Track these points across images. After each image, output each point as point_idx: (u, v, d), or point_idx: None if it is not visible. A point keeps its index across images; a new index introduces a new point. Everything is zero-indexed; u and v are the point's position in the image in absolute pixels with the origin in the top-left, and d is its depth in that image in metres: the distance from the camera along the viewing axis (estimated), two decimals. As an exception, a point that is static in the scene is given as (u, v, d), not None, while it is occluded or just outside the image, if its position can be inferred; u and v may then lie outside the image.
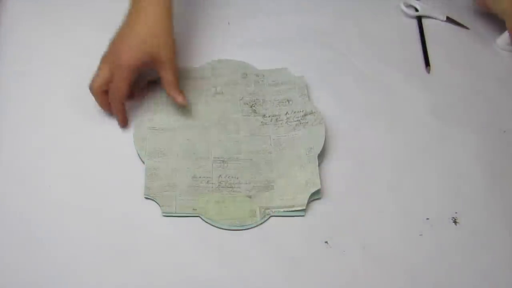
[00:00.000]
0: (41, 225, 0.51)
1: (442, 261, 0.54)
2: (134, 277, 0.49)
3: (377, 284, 0.52)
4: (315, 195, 0.56)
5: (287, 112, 0.60)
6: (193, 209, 0.53)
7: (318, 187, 0.55)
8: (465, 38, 0.75)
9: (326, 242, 0.54)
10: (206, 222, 0.53)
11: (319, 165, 0.58)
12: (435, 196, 0.58)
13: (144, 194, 0.54)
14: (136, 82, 0.57)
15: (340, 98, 0.65)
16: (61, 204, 0.52)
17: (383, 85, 0.67)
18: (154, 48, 0.54)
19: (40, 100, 0.59)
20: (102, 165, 0.56)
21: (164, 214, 0.53)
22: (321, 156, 0.59)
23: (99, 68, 0.55)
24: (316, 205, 0.56)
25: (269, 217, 0.54)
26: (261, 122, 0.60)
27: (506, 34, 0.71)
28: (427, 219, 0.56)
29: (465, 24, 0.76)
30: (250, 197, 0.55)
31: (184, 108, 0.59)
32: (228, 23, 0.70)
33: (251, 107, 0.61)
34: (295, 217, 0.55)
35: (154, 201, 0.54)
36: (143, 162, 0.56)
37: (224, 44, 0.68)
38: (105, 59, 0.55)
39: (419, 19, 0.76)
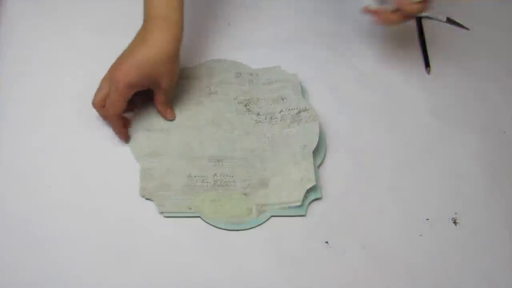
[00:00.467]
0: (41, 225, 0.51)
1: (442, 261, 0.54)
2: (134, 277, 0.49)
3: (377, 284, 0.52)
4: (315, 195, 0.56)
5: (281, 110, 0.60)
6: (189, 208, 0.54)
7: (313, 183, 0.55)
8: (465, 39, 0.75)
9: (327, 242, 0.54)
10: (206, 222, 0.53)
11: (319, 165, 0.58)
12: (435, 197, 0.58)
13: (140, 195, 0.54)
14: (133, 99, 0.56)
15: (340, 98, 0.65)
16: (60, 204, 0.52)
17: (383, 86, 0.67)
18: (156, 73, 0.53)
19: (40, 100, 0.59)
20: (102, 166, 0.55)
21: (161, 214, 0.53)
22: (321, 156, 0.59)
23: (101, 84, 0.55)
24: (316, 205, 0.56)
25: (270, 217, 0.54)
26: (256, 120, 0.60)
27: None
28: (427, 219, 0.56)
29: (465, 25, 0.76)
30: (245, 194, 0.55)
31: (178, 108, 0.60)
32: (229, 24, 0.70)
33: (245, 106, 0.61)
34: (295, 217, 0.55)
35: (152, 201, 0.54)
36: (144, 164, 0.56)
37: (224, 45, 0.68)
38: (107, 75, 0.55)
39: (419, 19, 0.76)
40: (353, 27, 0.73)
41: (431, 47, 0.72)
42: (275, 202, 0.55)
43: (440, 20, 0.76)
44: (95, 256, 0.50)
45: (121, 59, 0.54)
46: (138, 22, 0.56)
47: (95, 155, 0.56)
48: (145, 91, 0.56)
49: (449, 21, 0.76)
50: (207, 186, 0.55)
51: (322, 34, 0.71)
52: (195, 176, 0.56)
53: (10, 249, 0.49)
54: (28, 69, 0.62)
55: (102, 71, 0.55)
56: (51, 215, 0.52)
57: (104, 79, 0.55)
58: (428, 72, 0.70)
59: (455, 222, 0.57)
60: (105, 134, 0.58)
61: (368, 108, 0.64)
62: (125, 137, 0.57)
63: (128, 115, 0.58)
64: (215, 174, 0.56)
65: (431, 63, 0.70)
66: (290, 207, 0.54)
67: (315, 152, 0.58)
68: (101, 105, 0.55)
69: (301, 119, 0.59)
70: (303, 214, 0.55)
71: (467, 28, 0.76)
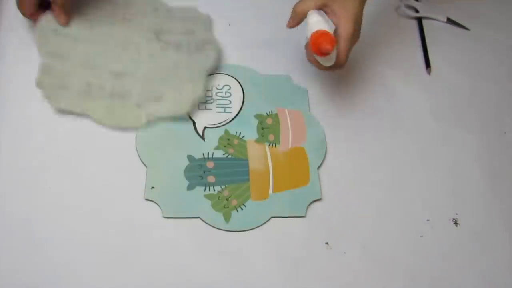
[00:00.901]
0: (41, 226, 0.51)
1: (442, 262, 0.54)
2: (134, 278, 0.49)
3: (377, 285, 0.52)
4: (315, 196, 0.56)
5: (189, 41, 0.64)
6: (83, 110, 0.57)
7: (202, 95, 0.59)
8: (466, 39, 0.75)
9: (327, 243, 0.54)
10: (206, 223, 0.53)
11: (319, 166, 0.58)
12: (436, 197, 0.58)
13: (36, 86, 0.57)
14: None
15: (340, 99, 0.65)
16: (61, 205, 0.52)
17: (383, 86, 0.67)
18: None
19: (40, 100, 0.59)
20: (102, 166, 0.55)
21: (57, 110, 0.57)
22: (321, 157, 0.59)
23: None
24: (316, 206, 0.56)
25: (270, 218, 0.54)
26: (162, 47, 0.63)
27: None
28: (428, 220, 0.56)
29: (465, 25, 0.76)
30: (138, 106, 0.58)
31: (89, 24, 0.63)
32: (229, 24, 0.70)
33: (155, 34, 0.64)
34: (295, 218, 0.55)
35: (154, 202, 0.54)
36: (145, 165, 0.56)
37: (223, 46, 0.68)
38: None
39: (419, 20, 0.76)
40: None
41: (432, 47, 0.72)
42: (164, 112, 0.58)
43: (440, 21, 0.76)
44: (95, 256, 0.50)
45: None
46: None
47: (95, 156, 0.56)
48: None
49: (449, 21, 0.76)
50: (104, 95, 0.58)
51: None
52: (93, 84, 0.58)
53: (10, 250, 0.49)
54: (28, 69, 0.62)
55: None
56: (51, 216, 0.52)
57: None
58: (429, 72, 0.70)
59: (455, 223, 0.57)
60: (106, 134, 0.58)
61: (368, 109, 0.64)
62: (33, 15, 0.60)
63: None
64: (113, 86, 0.59)
65: (431, 64, 0.70)
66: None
67: (315, 153, 0.59)
68: None
69: (205, 48, 0.63)
70: (303, 215, 0.55)
71: (467, 28, 0.76)
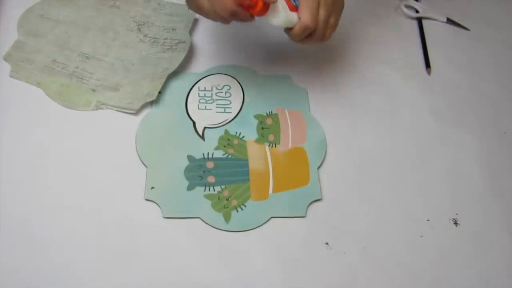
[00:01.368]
0: (41, 226, 0.51)
1: (442, 262, 0.54)
2: (134, 278, 0.49)
3: (377, 285, 0.51)
4: (315, 196, 0.56)
5: (166, 38, 0.66)
6: (38, 83, 0.59)
7: (153, 98, 0.60)
8: (466, 40, 0.75)
9: (327, 243, 0.53)
10: (206, 223, 0.53)
11: (319, 166, 0.58)
12: (436, 198, 0.58)
13: (3, 58, 0.60)
14: None
15: (340, 99, 0.65)
16: (61, 205, 0.52)
17: (383, 86, 0.67)
18: None
19: (40, 100, 0.59)
20: (102, 166, 0.55)
21: (10, 77, 0.60)
22: (321, 157, 0.59)
23: None
24: (316, 206, 0.56)
25: (270, 218, 0.54)
26: (140, 39, 0.65)
27: None
28: (428, 220, 0.56)
29: (465, 26, 0.76)
30: (93, 91, 0.60)
31: (76, 6, 0.67)
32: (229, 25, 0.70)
33: (138, 25, 0.67)
34: (295, 218, 0.55)
35: (154, 202, 0.54)
36: (145, 165, 0.56)
37: (223, 46, 0.68)
38: None
39: (419, 20, 0.76)
40: (353, 27, 0.73)
41: (432, 47, 0.72)
42: (114, 105, 0.59)
43: (440, 21, 0.76)
44: (95, 256, 0.50)
45: None
46: None
47: (95, 156, 0.56)
48: None
49: (449, 21, 0.76)
50: (65, 73, 0.61)
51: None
52: (58, 62, 0.61)
53: (10, 250, 0.49)
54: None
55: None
56: (51, 216, 0.52)
57: None
58: (429, 72, 0.70)
59: (455, 223, 0.57)
60: (106, 134, 0.58)
61: (369, 109, 0.64)
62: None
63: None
64: (77, 67, 0.61)
65: (431, 64, 0.70)
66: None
67: (315, 153, 0.59)
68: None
69: (177, 48, 0.65)
70: (303, 215, 0.55)
71: (467, 29, 0.76)
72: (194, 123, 0.60)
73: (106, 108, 0.59)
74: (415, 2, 0.77)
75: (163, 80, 0.61)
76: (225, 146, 0.59)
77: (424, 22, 0.76)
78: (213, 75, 0.65)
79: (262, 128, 0.61)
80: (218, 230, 0.53)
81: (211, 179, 0.56)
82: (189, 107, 0.61)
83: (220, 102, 0.62)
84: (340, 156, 0.60)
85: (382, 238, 0.54)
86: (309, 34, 0.54)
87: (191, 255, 0.51)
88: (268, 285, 0.50)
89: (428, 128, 0.64)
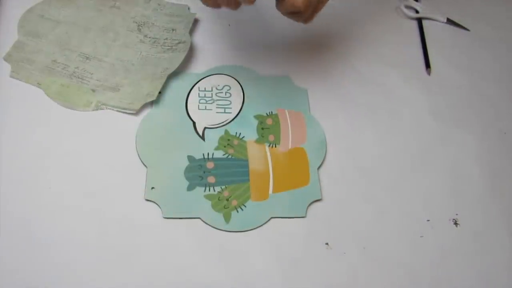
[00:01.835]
0: (41, 226, 0.51)
1: (442, 262, 0.54)
2: (134, 278, 0.49)
3: (377, 285, 0.51)
4: (315, 197, 0.56)
5: (166, 38, 0.66)
6: (38, 83, 0.59)
7: (153, 98, 0.60)
8: (466, 40, 0.75)
9: (327, 243, 0.53)
10: (206, 223, 0.53)
11: (319, 166, 0.58)
12: (436, 198, 0.58)
13: (4, 59, 0.60)
14: None
15: (340, 99, 0.65)
16: (61, 205, 0.52)
17: (383, 87, 0.67)
18: None
19: (41, 100, 0.59)
20: (102, 166, 0.55)
21: (11, 77, 0.60)
22: (321, 157, 0.59)
23: None
24: (316, 206, 0.56)
25: (270, 219, 0.54)
26: (140, 40, 0.66)
27: None
28: (428, 220, 0.56)
29: (465, 26, 0.76)
30: (93, 91, 0.60)
31: (76, 6, 0.67)
32: (229, 25, 0.70)
33: (138, 26, 0.67)
34: (295, 219, 0.55)
35: (154, 202, 0.54)
36: (145, 166, 0.56)
37: (223, 46, 0.68)
38: None
39: (419, 20, 0.76)
40: (353, 27, 0.73)
41: (432, 48, 0.72)
42: (115, 105, 0.59)
43: (440, 21, 0.76)
44: (95, 257, 0.50)
45: None
46: None
47: (95, 156, 0.56)
48: None
49: (449, 21, 0.76)
50: (65, 73, 0.61)
51: (322, 34, 0.71)
52: (59, 62, 0.62)
53: (10, 250, 0.49)
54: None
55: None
56: (51, 216, 0.52)
57: None
58: (429, 73, 0.70)
59: (456, 223, 0.57)
60: (106, 134, 0.58)
61: (369, 109, 0.64)
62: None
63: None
64: (77, 67, 0.62)
65: (431, 64, 0.70)
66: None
67: (315, 153, 0.59)
68: None
69: (177, 48, 0.65)
70: (303, 215, 0.55)
71: (467, 29, 0.76)
72: (194, 123, 0.60)
73: (106, 108, 0.59)
74: (415, 2, 0.77)
75: (163, 80, 0.61)
76: (225, 147, 0.59)
77: (424, 22, 0.76)
78: (213, 76, 0.65)
79: (262, 129, 0.61)
80: (218, 230, 0.53)
81: (211, 179, 0.56)
82: (189, 107, 0.61)
83: (220, 102, 0.62)
84: (340, 156, 0.60)
85: (382, 238, 0.54)
86: (296, 12, 0.55)
87: (191, 255, 0.51)
88: (268, 285, 0.50)
89: (428, 128, 0.64)
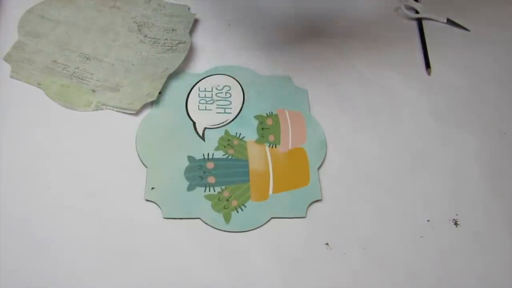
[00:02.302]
0: (41, 226, 0.51)
1: (443, 263, 0.54)
2: (134, 279, 0.49)
3: (377, 285, 0.51)
4: (316, 197, 0.56)
5: (166, 38, 0.66)
6: (38, 84, 0.59)
7: (154, 98, 0.60)
8: (466, 40, 0.75)
9: (327, 243, 0.53)
10: (206, 224, 0.53)
11: (319, 167, 0.58)
12: (436, 198, 0.58)
13: (4, 59, 0.60)
14: None
15: (340, 99, 0.65)
16: (61, 205, 0.52)
17: (383, 87, 0.67)
18: None
19: (41, 101, 0.59)
20: (102, 166, 0.55)
21: (11, 77, 0.59)
22: (321, 157, 0.59)
23: None
24: (316, 206, 0.56)
25: (270, 219, 0.54)
26: (140, 40, 0.66)
27: None
28: (428, 220, 0.56)
29: (465, 26, 0.76)
30: (94, 91, 0.60)
31: (76, 7, 0.67)
32: (229, 25, 0.70)
33: (138, 26, 0.67)
34: (295, 219, 0.55)
35: (154, 203, 0.54)
36: (145, 166, 0.56)
37: (223, 46, 0.68)
38: None
39: (419, 21, 0.76)
40: (353, 27, 0.73)
41: (432, 48, 0.72)
42: (115, 105, 0.59)
43: (440, 22, 0.76)
44: (95, 257, 0.50)
45: None
46: None
47: (95, 156, 0.56)
48: None
49: (449, 22, 0.76)
50: (65, 74, 0.61)
51: (322, 34, 0.71)
52: (59, 63, 0.62)
53: (10, 251, 0.49)
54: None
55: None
56: (51, 216, 0.51)
57: None
58: (429, 73, 0.70)
59: (456, 224, 0.57)
60: (106, 134, 0.58)
61: (369, 109, 0.64)
62: None
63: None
64: (77, 67, 0.62)
65: (431, 64, 0.70)
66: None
67: (315, 153, 0.59)
68: None
69: (177, 49, 0.65)
70: (303, 215, 0.55)
71: (467, 29, 0.76)
72: (194, 123, 0.60)
73: (106, 108, 0.59)
74: (415, 2, 0.77)
75: (163, 80, 0.61)
76: (225, 147, 0.59)
77: (424, 22, 0.76)
78: (213, 76, 0.65)
79: (262, 129, 0.61)
80: (218, 230, 0.53)
81: (211, 179, 0.56)
82: (189, 108, 0.61)
83: (220, 102, 0.63)
84: (340, 156, 0.60)
85: (382, 239, 0.54)
86: None
87: (191, 255, 0.51)
88: (268, 285, 0.50)
89: (428, 129, 0.64)
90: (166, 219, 0.53)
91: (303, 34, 0.71)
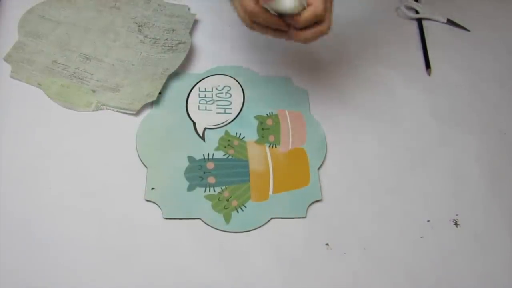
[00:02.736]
0: (41, 226, 0.51)
1: (443, 263, 0.54)
2: (134, 279, 0.49)
3: (377, 285, 0.51)
4: (316, 197, 0.56)
5: (167, 39, 0.66)
6: (38, 84, 0.59)
7: (154, 98, 0.60)
8: (466, 40, 0.75)
9: (327, 244, 0.53)
10: (206, 224, 0.53)
11: (319, 167, 0.58)
12: (436, 198, 0.58)
13: (4, 59, 0.60)
14: None
15: (341, 100, 0.65)
16: (61, 205, 0.52)
17: (383, 87, 0.67)
18: None
19: (41, 101, 0.59)
20: (102, 167, 0.55)
21: (11, 77, 0.59)
22: (322, 157, 0.59)
23: None
24: (316, 207, 0.56)
25: (270, 219, 0.54)
26: (140, 40, 0.66)
27: None
28: (428, 221, 0.56)
29: (465, 26, 0.76)
30: (94, 91, 0.60)
31: (76, 7, 0.67)
32: (229, 26, 0.70)
33: (138, 26, 0.67)
34: (295, 219, 0.55)
35: (155, 203, 0.54)
36: (145, 166, 0.56)
37: (223, 47, 0.68)
38: None
39: (419, 21, 0.76)
40: (353, 27, 0.73)
41: (432, 48, 0.72)
42: (115, 105, 0.59)
43: (440, 22, 0.76)
44: (95, 257, 0.50)
45: None
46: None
47: (95, 156, 0.56)
48: None
49: (449, 22, 0.76)
50: (65, 74, 0.61)
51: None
52: (59, 63, 0.62)
53: (10, 251, 0.49)
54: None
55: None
56: (51, 216, 0.51)
57: None
58: (429, 73, 0.70)
59: (456, 224, 0.57)
60: (106, 134, 0.58)
61: (369, 109, 0.64)
62: None
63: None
64: (77, 67, 0.62)
65: (431, 64, 0.70)
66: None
67: (315, 154, 0.59)
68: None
69: (177, 49, 0.65)
70: (303, 215, 0.55)
71: (467, 29, 0.76)
72: (194, 123, 0.60)
73: (107, 108, 0.59)
74: (415, 3, 0.77)
75: (164, 80, 0.61)
76: (225, 147, 0.59)
77: (424, 22, 0.76)
78: (213, 76, 0.65)
79: (263, 129, 0.61)
80: (218, 230, 0.53)
81: (211, 179, 0.56)
82: (189, 108, 0.61)
83: (220, 103, 0.62)
84: (340, 156, 0.60)
85: (382, 239, 0.54)
86: (315, 23, 0.53)
87: (191, 255, 0.51)
88: (268, 285, 0.50)
89: (428, 129, 0.64)
90: (166, 219, 0.53)
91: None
